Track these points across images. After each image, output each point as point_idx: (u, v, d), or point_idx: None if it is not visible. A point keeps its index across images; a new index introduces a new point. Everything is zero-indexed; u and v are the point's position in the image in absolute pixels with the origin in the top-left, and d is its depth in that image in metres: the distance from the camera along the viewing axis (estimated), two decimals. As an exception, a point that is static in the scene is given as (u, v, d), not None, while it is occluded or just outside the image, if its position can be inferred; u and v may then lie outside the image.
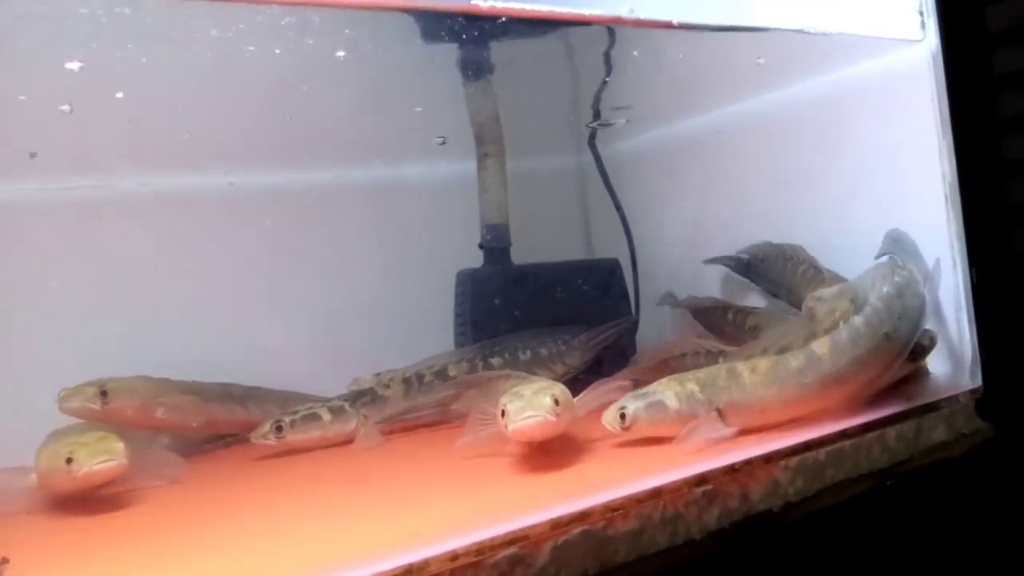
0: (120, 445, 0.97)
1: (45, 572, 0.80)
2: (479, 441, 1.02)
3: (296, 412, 1.21)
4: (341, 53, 1.19)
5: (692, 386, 1.02)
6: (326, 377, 1.33)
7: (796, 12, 1.02)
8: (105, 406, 1.14)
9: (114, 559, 0.83)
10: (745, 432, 1.00)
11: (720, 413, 1.00)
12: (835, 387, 1.01)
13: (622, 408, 1.02)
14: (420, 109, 1.48)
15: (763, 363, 1.03)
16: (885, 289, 1.04)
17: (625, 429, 1.02)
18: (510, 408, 0.93)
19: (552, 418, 0.92)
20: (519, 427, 0.92)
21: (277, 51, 1.18)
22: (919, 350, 1.10)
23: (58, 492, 1.01)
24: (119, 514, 0.99)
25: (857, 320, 1.02)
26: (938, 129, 1.14)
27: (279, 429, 1.19)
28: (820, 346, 1.01)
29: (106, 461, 0.95)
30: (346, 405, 1.25)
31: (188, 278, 1.44)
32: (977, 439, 1.10)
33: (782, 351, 1.06)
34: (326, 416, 1.22)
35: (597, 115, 1.57)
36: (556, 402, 0.93)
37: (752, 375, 1.02)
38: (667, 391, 1.03)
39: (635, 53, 1.36)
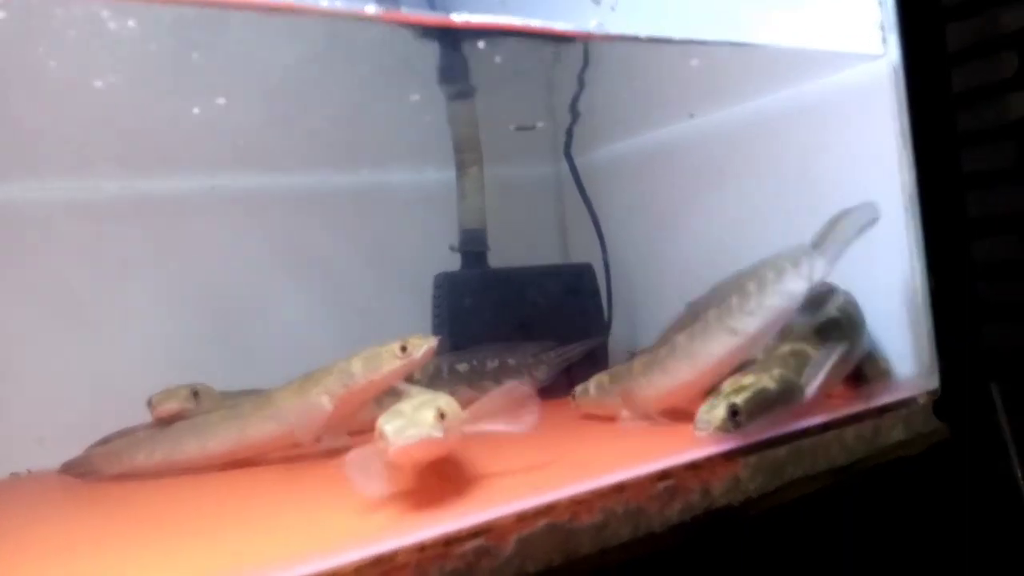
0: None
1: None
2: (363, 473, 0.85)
3: None
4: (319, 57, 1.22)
5: (604, 377, 1.20)
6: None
7: (761, 27, 1.06)
8: (197, 407, 1.19)
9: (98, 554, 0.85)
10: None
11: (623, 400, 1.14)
12: (691, 377, 1.08)
13: (574, 390, 1.24)
14: (401, 115, 1.51)
15: (645, 355, 1.14)
16: (749, 285, 1.06)
17: (576, 406, 1.23)
18: (388, 428, 0.80)
19: (437, 435, 0.80)
20: (400, 448, 0.79)
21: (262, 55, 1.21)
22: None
23: None
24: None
25: (712, 312, 1.07)
26: (898, 141, 1.18)
27: None
28: (682, 336, 1.09)
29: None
30: None
31: (170, 280, 1.46)
32: (934, 439, 1.14)
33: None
34: None
35: (575, 119, 1.61)
36: (441, 415, 0.82)
37: (637, 366, 1.14)
38: (593, 379, 1.22)
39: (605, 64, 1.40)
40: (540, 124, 1.58)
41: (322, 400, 1.08)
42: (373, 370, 1.08)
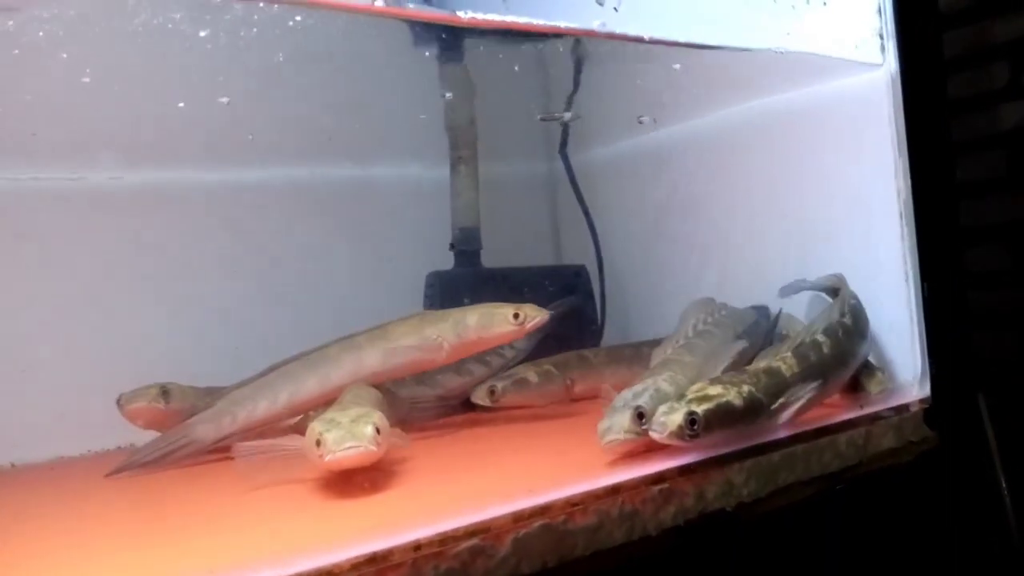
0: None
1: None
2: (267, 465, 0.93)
3: None
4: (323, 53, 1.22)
5: (547, 367, 1.30)
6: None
7: (760, 31, 1.06)
8: (168, 406, 1.16)
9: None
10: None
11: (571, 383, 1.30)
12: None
13: (493, 386, 1.26)
14: (397, 111, 1.51)
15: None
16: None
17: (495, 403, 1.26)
18: (328, 437, 0.86)
19: (374, 448, 0.87)
20: (339, 458, 0.86)
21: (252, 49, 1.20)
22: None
23: None
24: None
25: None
26: (895, 148, 1.18)
27: None
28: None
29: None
30: None
31: (156, 275, 1.44)
32: (924, 447, 1.14)
33: None
34: None
35: (566, 124, 1.61)
36: (378, 431, 0.88)
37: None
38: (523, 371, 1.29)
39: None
40: (567, 116, 1.57)
41: (440, 342, 1.12)
42: (485, 327, 1.12)
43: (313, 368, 1.14)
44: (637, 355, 1.35)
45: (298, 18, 1.09)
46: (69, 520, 0.95)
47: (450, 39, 1.35)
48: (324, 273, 1.57)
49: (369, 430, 0.87)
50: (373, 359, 1.14)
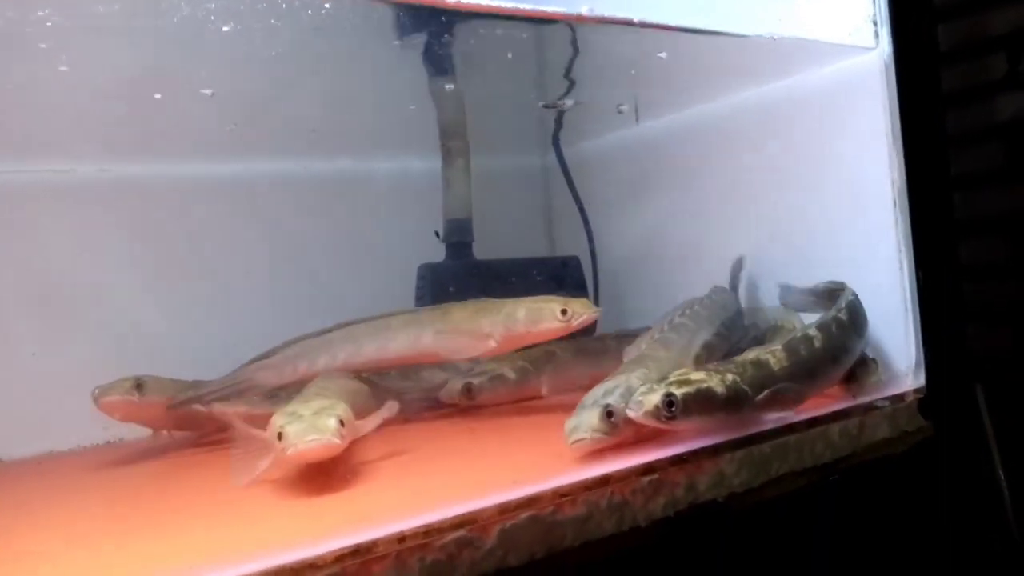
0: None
1: None
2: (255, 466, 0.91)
3: None
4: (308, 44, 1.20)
5: (520, 363, 1.27)
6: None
7: (753, 16, 1.05)
8: (143, 398, 1.16)
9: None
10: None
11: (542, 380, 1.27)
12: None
13: (469, 384, 1.24)
14: (386, 103, 1.49)
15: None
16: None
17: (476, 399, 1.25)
18: (289, 430, 0.86)
19: (337, 440, 0.86)
20: (301, 451, 0.85)
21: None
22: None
23: None
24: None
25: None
26: (888, 136, 1.18)
27: None
28: None
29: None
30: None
31: (148, 269, 1.43)
32: (918, 437, 1.13)
33: None
34: None
35: (560, 114, 1.60)
36: (341, 423, 0.88)
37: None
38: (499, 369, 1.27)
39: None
40: (569, 103, 1.55)
41: (492, 333, 1.14)
42: (533, 322, 1.13)
43: (374, 334, 1.19)
44: (602, 348, 1.33)
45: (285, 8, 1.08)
46: (62, 515, 0.94)
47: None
48: (315, 266, 1.56)
49: (332, 422, 0.87)
50: (429, 338, 1.18)
